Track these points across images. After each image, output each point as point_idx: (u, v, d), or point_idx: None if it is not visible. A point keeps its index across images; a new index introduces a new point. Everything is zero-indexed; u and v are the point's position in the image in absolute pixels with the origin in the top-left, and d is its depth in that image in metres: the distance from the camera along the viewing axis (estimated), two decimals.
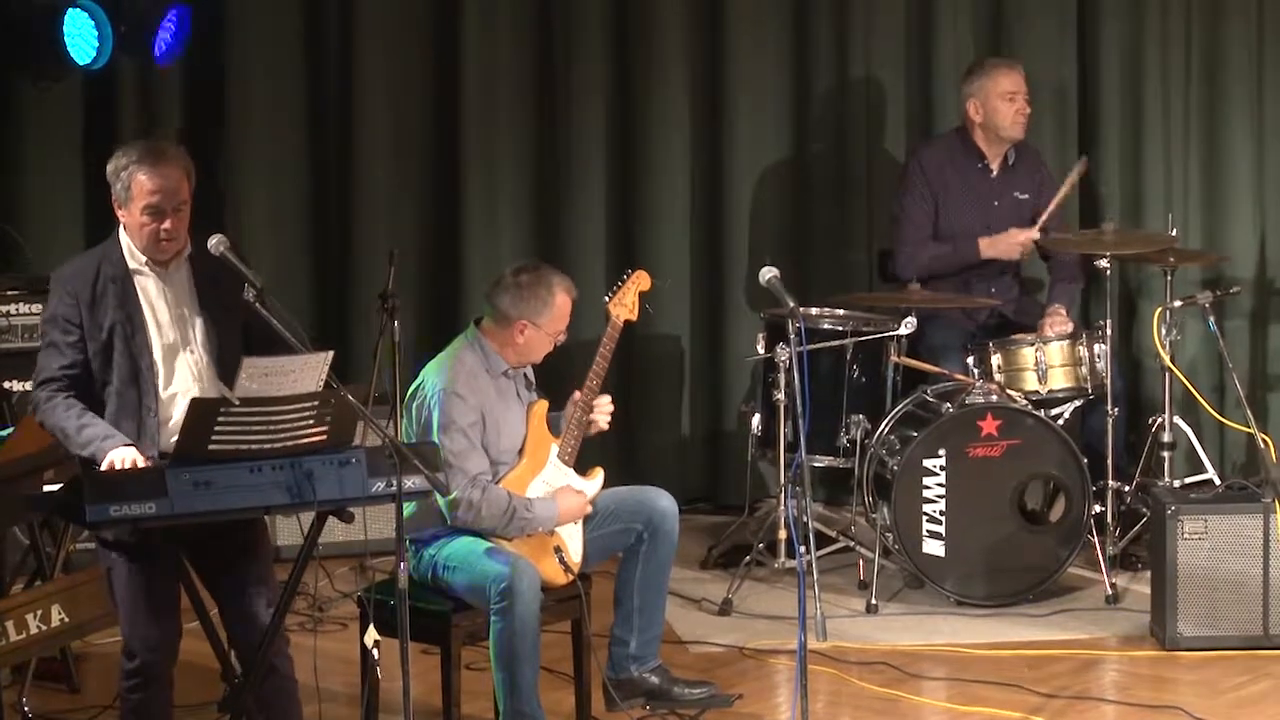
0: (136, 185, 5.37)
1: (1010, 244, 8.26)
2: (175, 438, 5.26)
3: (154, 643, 5.39)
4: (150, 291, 5.44)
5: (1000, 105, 8.27)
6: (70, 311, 5.39)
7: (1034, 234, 8.22)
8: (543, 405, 6.26)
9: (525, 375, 6.29)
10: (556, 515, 6.13)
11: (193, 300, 5.47)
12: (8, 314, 7.65)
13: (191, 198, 5.43)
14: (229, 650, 5.50)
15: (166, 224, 5.37)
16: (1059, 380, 7.90)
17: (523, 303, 6.15)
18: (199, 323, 5.46)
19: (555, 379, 6.61)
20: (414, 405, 6.12)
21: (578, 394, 6.27)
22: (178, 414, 5.34)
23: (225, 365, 5.36)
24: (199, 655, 5.63)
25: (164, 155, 5.40)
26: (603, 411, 6.30)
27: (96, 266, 5.42)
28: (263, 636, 5.43)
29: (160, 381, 5.41)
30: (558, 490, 6.18)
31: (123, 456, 5.24)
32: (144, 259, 5.43)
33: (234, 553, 5.48)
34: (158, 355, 5.41)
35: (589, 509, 6.24)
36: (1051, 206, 8.24)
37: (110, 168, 5.43)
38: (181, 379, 5.42)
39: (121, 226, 5.45)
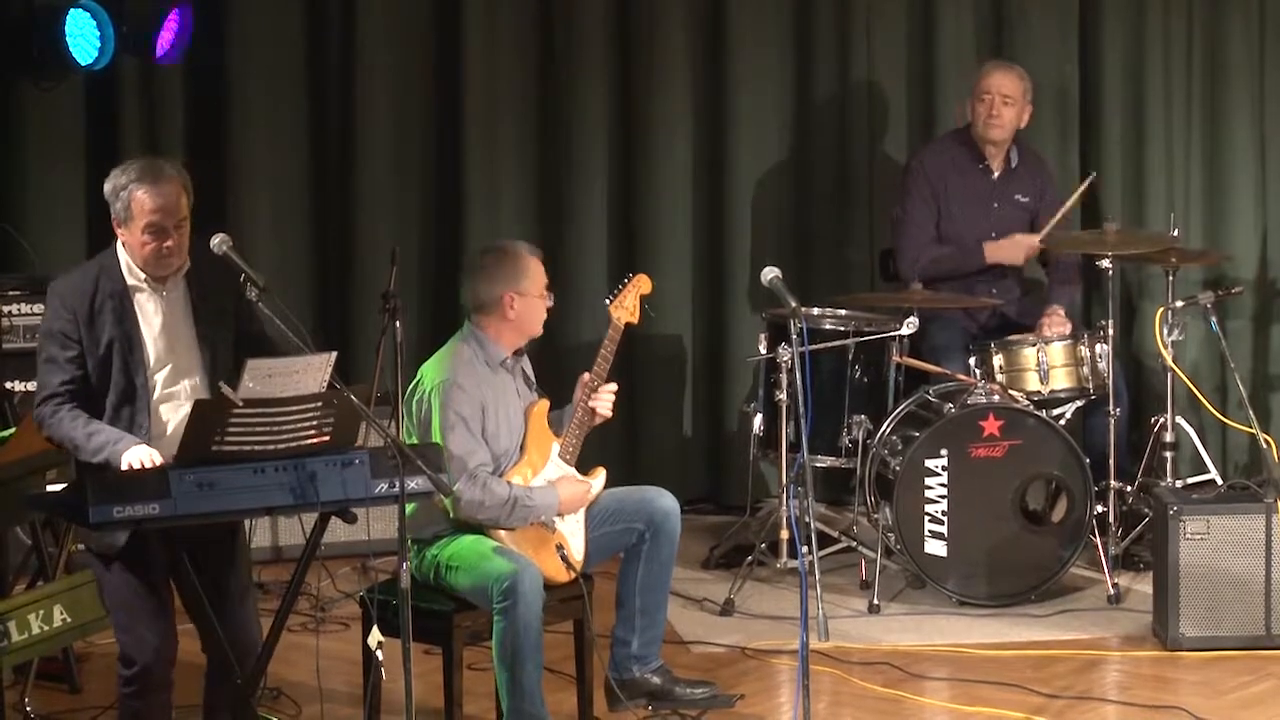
0: (136, 204, 5.37)
1: (1014, 248, 8.27)
2: (168, 453, 5.26)
3: (152, 648, 5.38)
4: (148, 309, 5.44)
5: (976, 105, 8.30)
6: (69, 327, 5.38)
7: (1036, 242, 8.23)
8: (543, 405, 6.25)
9: (524, 371, 6.29)
10: (557, 503, 6.12)
11: (188, 317, 5.47)
12: (9, 314, 7.65)
13: (190, 214, 5.44)
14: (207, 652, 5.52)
15: (169, 242, 5.38)
16: (1061, 380, 7.91)
17: (497, 279, 6.15)
18: (195, 340, 5.46)
19: (556, 381, 6.61)
20: (414, 401, 6.12)
21: (586, 375, 6.27)
22: (170, 430, 5.35)
23: (219, 381, 5.35)
24: (194, 655, 5.62)
25: (162, 173, 5.40)
26: (606, 394, 6.28)
27: (95, 281, 5.41)
28: (247, 640, 5.46)
29: (154, 399, 5.41)
30: (558, 479, 6.18)
31: (139, 457, 5.25)
32: (143, 276, 5.43)
33: (218, 559, 5.48)
34: (153, 372, 5.41)
35: (590, 497, 6.24)
36: (1056, 218, 8.22)
37: (109, 187, 5.43)
38: (175, 396, 5.41)
39: (120, 243, 5.45)
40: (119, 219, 5.42)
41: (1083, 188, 8.36)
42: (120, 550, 5.32)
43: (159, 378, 5.42)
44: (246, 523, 5.65)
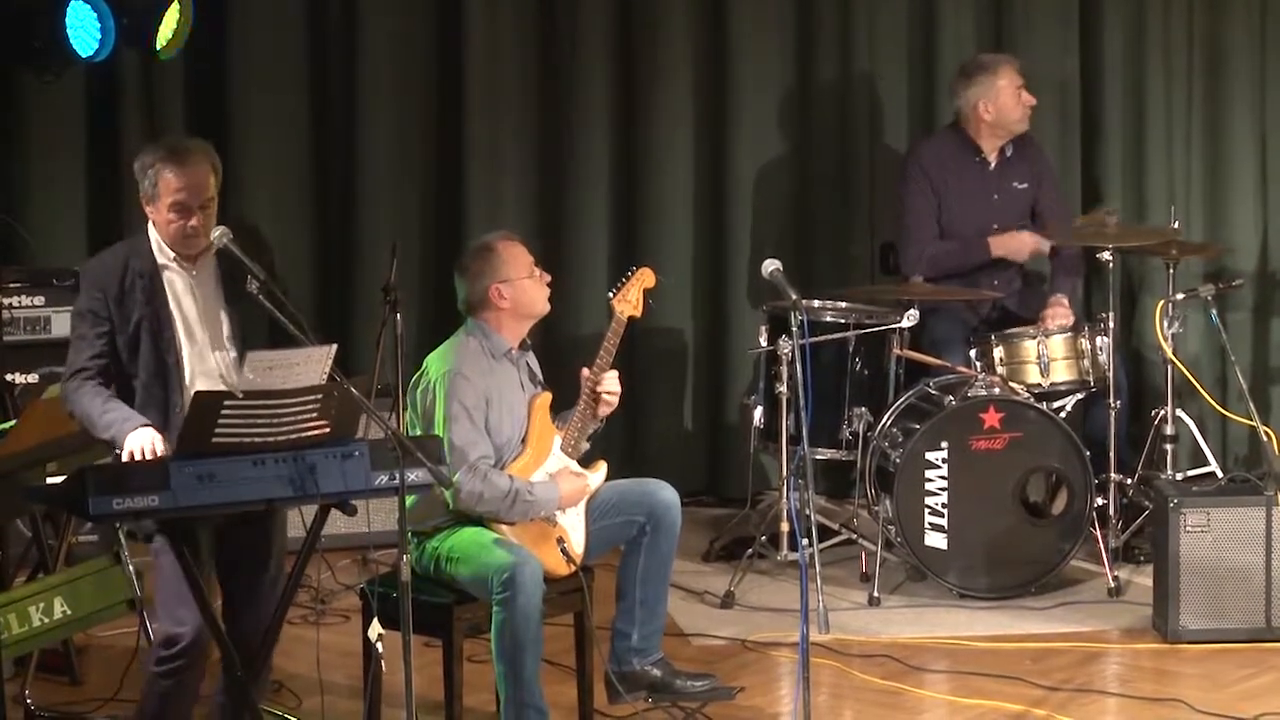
0: (163, 183, 5.41)
1: (1020, 245, 8.27)
2: None
3: (194, 629, 5.39)
4: (178, 287, 5.47)
5: (1011, 101, 8.26)
6: (98, 306, 5.42)
7: (1044, 246, 8.22)
8: (546, 397, 6.25)
9: (529, 365, 6.29)
10: (558, 497, 6.12)
11: (219, 296, 5.50)
12: (10, 306, 7.65)
13: (219, 194, 5.45)
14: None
15: (194, 221, 5.41)
16: (1061, 373, 7.91)
17: (481, 275, 6.17)
18: (225, 318, 5.49)
19: (559, 374, 6.60)
20: (418, 392, 6.12)
21: (587, 370, 6.26)
22: None
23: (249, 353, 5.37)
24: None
25: (190, 152, 5.45)
26: (609, 387, 6.26)
27: (125, 261, 5.45)
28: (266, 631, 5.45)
29: (186, 377, 5.43)
30: (558, 473, 6.18)
31: (140, 443, 5.26)
32: (172, 255, 5.46)
33: (251, 546, 5.50)
34: (184, 351, 5.44)
35: (589, 491, 6.24)
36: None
37: (137, 165, 5.47)
38: (207, 375, 5.43)
39: (150, 223, 5.48)
40: (146, 196, 5.46)
41: (1098, 215, 8.31)
42: (169, 533, 5.31)
43: (191, 355, 5.44)
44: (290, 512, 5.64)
